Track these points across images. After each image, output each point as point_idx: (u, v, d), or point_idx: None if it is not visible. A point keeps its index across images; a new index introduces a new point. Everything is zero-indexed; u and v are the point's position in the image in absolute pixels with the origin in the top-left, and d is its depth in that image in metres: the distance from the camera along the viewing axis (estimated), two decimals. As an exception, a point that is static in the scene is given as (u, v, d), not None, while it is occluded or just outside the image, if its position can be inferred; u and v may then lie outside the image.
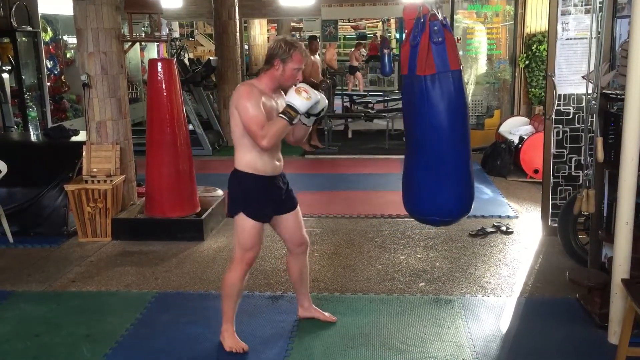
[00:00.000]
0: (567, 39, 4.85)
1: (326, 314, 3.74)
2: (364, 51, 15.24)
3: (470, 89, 9.49)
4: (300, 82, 3.17)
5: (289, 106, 3.06)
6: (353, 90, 14.24)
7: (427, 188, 3.06)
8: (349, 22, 16.76)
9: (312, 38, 9.53)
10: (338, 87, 12.01)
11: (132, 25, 5.67)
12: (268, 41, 14.66)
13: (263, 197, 3.28)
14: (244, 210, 3.25)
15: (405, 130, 3.18)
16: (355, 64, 14.51)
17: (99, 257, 4.91)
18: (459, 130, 2.99)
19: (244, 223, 3.27)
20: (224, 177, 7.17)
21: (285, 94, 3.18)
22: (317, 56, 9.35)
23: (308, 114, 3.19)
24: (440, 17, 2.88)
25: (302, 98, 3.05)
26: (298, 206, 3.51)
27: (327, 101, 3.28)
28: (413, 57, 2.89)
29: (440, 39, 2.84)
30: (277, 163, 3.31)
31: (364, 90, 14.44)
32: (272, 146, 3.13)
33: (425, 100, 2.89)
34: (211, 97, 10.34)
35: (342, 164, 8.29)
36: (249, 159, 3.22)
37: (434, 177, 3.02)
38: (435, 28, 2.85)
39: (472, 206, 3.20)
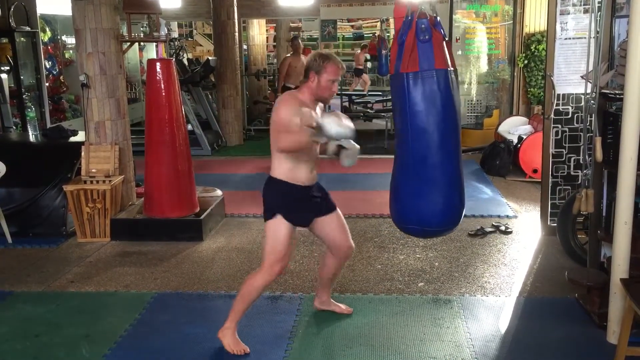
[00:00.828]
0: (566, 39, 4.85)
1: (342, 306, 3.83)
2: (367, 56, 15.23)
3: (469, 88, 9.50)
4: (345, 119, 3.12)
5: (320, 127, 3.05)
6: (355, 91, 14.25)
7: (406, 193, 2.98)
8: (348, 22, 16.76)
9: (294, 38, 9.39)
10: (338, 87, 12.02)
11: (131, 25, 5.67)
12: (267, 41, 14.65)
13: (300, 203, 3.33)
14: (282, 213, 3.28)
15: (395, 133, 3.14)
16: (361, 66, 14.50)
17: (98, 258, 4.91)
18: (444, 133, 2.89)
19: (278, 227, 3.28)
20: (223, 177, 7.16)
21: (323, 104, 3.30)
22: (303, 57, 9.22)
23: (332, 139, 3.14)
24: (429, 15, 2.85)
25: (337, 130, 3.01)
26: (338, 210, 3.55)
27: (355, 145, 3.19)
28: (399, 56, 2.85)
29: (426, 37, 2.80)
30: (313, 173, 3.39)
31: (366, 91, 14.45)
32: (288, 151, 3.20)
33: (407, 99, 2.84)
34: (210, 97, 10.34)
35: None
36: (285, 168, 3.28)
37: (415, 182, 2.94)
38: (423, 26, 2.81)
39: (461, 217, 3.07)
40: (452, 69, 2.93)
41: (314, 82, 3.23)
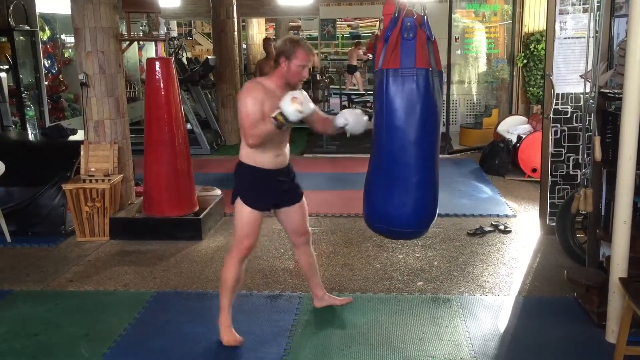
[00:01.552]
0: (565, 38, 4.85)
1: (340, 297, 3.87)
2: (361, 53, 15.16)
3: (468, 88, 9.50)
4: (298, 91, 3.19)
5: (280, 112, 3.11)
6: (352, 90, 14.22)
7: (377, 192, 2.96)
8: (344, 21, 16.75)
9: (266, 40, 9.17)
10: (336, 87, 12.01)
11: (130, 24, 5.66)
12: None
13: (261, 188, 3.39)
14: (241, 197, 3.39)
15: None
16: (355, 63, 14.43)
17: (97, 257, 4.91)
18: (419, 133, 2.87)
19: (241, 209, 3.39)
20: (222, 176, 7.17)
21: (293, 89, 3.28)
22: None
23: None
24: (417, 14, 2.85)
25: (294, 108, 3.08)
26: (304, 199, 3.60)
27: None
28: (383, 52, 2.84)
29: (411, 35, 2.79)
30: (279, 158, 3.39)
31: (362, 89, 14.43)
32: (258, 145, 3.23)
33: (384, 96, 2.82)
34: (209, 96, 10.34)
35: (340, 163, 8.29)
36: (249, 152, 3.33)
37: (385, 181, 2.92)
38: (408, 24, 2.80)
39: (432, 221, 3.04)
40: (435, 69, 2.88)
41: (284, 67, 3.26)
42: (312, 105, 3.17)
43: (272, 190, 3.42)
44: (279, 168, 3.41)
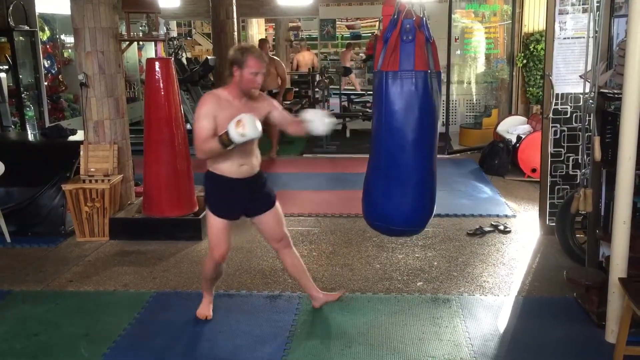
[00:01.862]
0: (564, 38, 4.85)
1: (333, 293, 3.90)
2: (354, 54, 15.13)
3: (468, 88, 9.51)
4: (244, 114, 3.18)
5: (226, 132, 3.16)
6: (350, 90, 14.20)
7: (375, 191, 3.01)
8: (347, 20, 16.75)
9: (262, 40, 9.18)
10: (336, 87, 11.99)
11: (130, 24, 5.66)
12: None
13: (227, 197, 3.43)
14: (208, 206, 3.48)
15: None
16: (348, 65, 14.38)
17: (97, 257, 4.91)
18: (417, 135, 2.90)
19: (210, 219, 3.48)
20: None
21: (252, 99, 3.39)
22: (276, 57, 8.83)
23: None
24: (417, 15, 2.85)
25: (238, 131, 3.12)
26: (277, 205, 3.62)
27: (257, 133, 3.25)
28: (382, 53, 2.86)
29: (410, 37, 2.81)
30: (243, 168, 3.41)
31: (362, 90, 14.41)
32: (206, 158, 3.34)
33: (383, 98, 2.85)
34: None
35: (340, 163, 8.29)
36: (214, 161, 3.39)
37: (384, 181, 2.96)
38: (407, 26, 2.81)
39: (430, 219, 3.09)
40: (433, 71, 2.91)
41: (238, 76, 3.30)
42: (258, 128, 3.19)
43: (238, 199, 3.45)
44: (244, 177, 3.43)
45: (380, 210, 3.06)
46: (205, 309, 3.77)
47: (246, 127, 3.12)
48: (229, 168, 3.37)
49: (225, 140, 3.15)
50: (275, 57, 8.65)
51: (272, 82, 8.28)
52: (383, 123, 2.90)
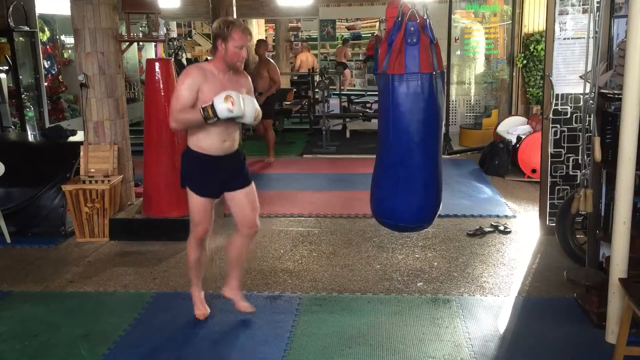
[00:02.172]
0: (564, 39, 4.85)
1: (246, 304, 3.80)
2: (348, 52, 15.09)
3: (468, 88, 9.50)
4: (234, 92, 3.22)
5: (212, 105, 3.17)
6: (350, 90, 14.21)
7: (385, 190, 3.06)
8: (347, 21, 16.76)
9: (260, 41, 8.79)
10: (333, 87, 12.01)
11: (130, 25, 5.66)
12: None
13: (206, 174, 3.42)
14: (188, 184, 3.46)
15: (378, 127, 3.21)
16: (343, 60, 14.35)
17: (97, 257, 4.90)
18: (425, 135, 2.95)
19: (190, 197, 3.48)
20: (222, 177, 6.88)
21: (237, 73, 3.38)
22: (270, 60, 8.58)
23: (235, 119, 3.28)
24: (420, 17, 2.87)
25: (225, 106, 3.14)
26: (252, 186, 3.61)
27: (253, 117, 3.31)
28: (387, 56, 2.88)
29: (414, 40, 2.83)
30: (226, 143, 3.41)
31: (362, 90, 14.42)
32: (179, 129, 3.38)
33: (391, 100, 2.89)
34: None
35: (340, 163, 8.29)
36: (196, 138, 3.37)
37: (393, 182, 3.00)
38: (412, 29, 2.83)
39: (436, 216, 3.16)
40: (437, 71, 2.95)
41: (222, 49, 3.29)
42: (247, 110, 3.21)
43: (219, 177, 3.45)
44: (226, 154, 3.43)
45: (390, 208, 3.11)
46: (201, 307, 3.74)
47: (235, 105, 3.15)
48: (211, 145, 3.35)
49: (209, 114, 3.15)
50: (270, 60, 8.54)
51: (262, 85, 8.12)
52: (391, 125, 2.94)
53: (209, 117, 3.17)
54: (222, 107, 3.14)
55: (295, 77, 12.68)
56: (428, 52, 2.88)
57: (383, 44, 2.96)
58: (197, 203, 3.47)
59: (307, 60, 13.21)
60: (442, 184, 3.17)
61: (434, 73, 2.91)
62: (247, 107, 3.25)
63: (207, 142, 3.35)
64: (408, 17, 2.86)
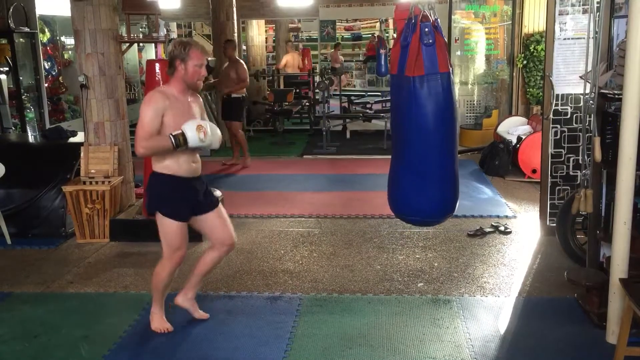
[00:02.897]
0: (564, 39, 4.85)
1: (200, 311, 3.79)
2: (339, 56, 15.04)
3: (468, 89, 9.50)
4: (203, 121, 3.28)
5: (182, 134, 3.18)
6: (351, 91, 14.20)
7: (409, 188, 3.09)
8: (347, 22, 16.77)
9: (228, 41, 8.58)
10: (335, 88, 12.01)
11: (130, 26, 5.67)
12: (266, 42, 14.64)
13: (179, 197, 3.38)
14: (160, 210, 3.38)
15: (392, 130, 3.22)
16: (338, 65, 14.31)
17: (97, 259, 4.90)
18: (444, 132, 2.99)
19: (164, 222, 3.40)
20: (221, 178, 7.17)
21: (193, 94, 3.40)
22: (239, 60, 8.41)
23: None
24: (432, 18, 2.88)
25: (197, 136, 3.18)
26: (220, 206, 3.60)
27: (218, 144, 3.41)
28: (403, 58, 2.90)
29: (430, 41, 2.85)
30: (194, 165, 3.42)
31: (363, 90, 14.41)
32: (146, 156, 3.30)
33: (413, 101, 2.90)
34: (209, 97, 10.33)
35: (340, 164, 8.29)
36: (165, 161, 3.33)
37: (417, 178, 3.03)
38: (426, 29, 2.85)
39: (457, 207, 3.21)
40: (451, 70, 2.99)
41: (182, 70, 3.30)
42: (217, 139, 3.29)
43: (188, 199, 3.41)
44: (194, 176, 3.43)
45: (417, 207, 3.13)
46: (162, 322, 3.62)
47: (208, 135, 3.21)
48: (180, 167, 3.33)
49: (180, 141, 3.17)
50: (239, 60, 8.43)
51: (229, 84, 8.01)
52: (414, 126, 2.96)
53: (180, 145, 3.18)
54: (194, 137, 3.17)
55: (282, 76, 12.60)
56: (444, 52, 2.91)
57: (396, 47, 2.97)
58: (173, 228, 3.38)
59: (293, 60, 13.20)
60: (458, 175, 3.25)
61: (451, 72, 2.95)
62: (215, 135, 3.32)
63: (177, 165, 3.32)
64: (421, 19, 2.87)
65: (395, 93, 3.06)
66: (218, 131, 3.38)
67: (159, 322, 3.62)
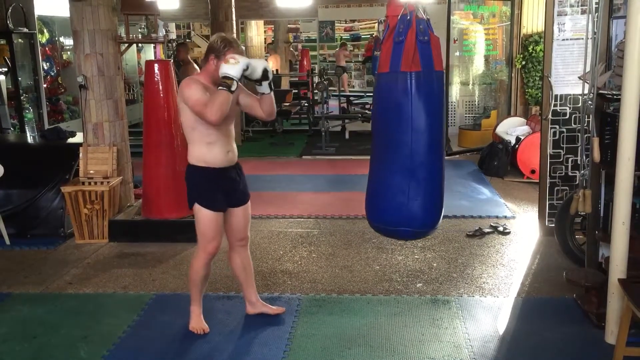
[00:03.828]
0: (563, 40, 4.86)
1: (274, 307, 3.80)
2: (347, 53, 15.06)
3: (467, 89, 9.51)
4: (227, 58, 3.21)
5: (223, 77, 3.15)
6: (350, 91, 14.18)
7: (401, 194, 2.90)
8: (345, 22, 16.77)
9: (180, 45, 8.43)
10: (334, 88, 12.01)
11: (129, 26, 5.66)
12: (265, 42, 14.63)
13: (215, 188, 3.38)
14: (198, 201, 3.37)
15: (379, 133, 3.02)
16: (343, 64, 14.32)
17: (96, 259, 4.90)
18: (437, 133, 2.90)
19: (201, 214, 3.40)
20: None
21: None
22: (193, 65, 8.33)
23: (249, 79, 3.28)
24: (425, 17, 2.86)
25: (230, 64, 3.12)
26: (249, 203, 3.60)
27: (263, 62, 3.34)
28: (397, 54, 2.79)
29: (426, 38, 2.81)
30: (229, 154, 3.39)
31: (361, 91, 14.39)
32: (221, 119, 3.17)
33: (410, 98, 2.79)
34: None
35: (339, 164, 8.29)
36: (199, 153, 3.33)
37: (412, 183, 2.88)
38: (421, 27, 2.81)
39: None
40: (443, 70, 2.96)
41: (213, 65, 3.29)
42: (251, 60, 3.20)
43: (224, 189, 3.41)
44: (230, 165, 3.41)
45: (408, 214, 2.94)
46: (199, 322, 3.60)
47: (236, 57, 3.15)
48: (216, 157, 3.33)
49: (227, 82, 3.12)
50: (191, 61, 8.47)
51: None
52: (410, 126, 2.81)
53: (230, 85, 3.12)
54: (232, 69, 3.11)
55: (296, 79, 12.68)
56: (438, 50, 2.87)
57: (387, 42, 2.85)
58: (209, 218, 3.38)
59: (276, 62, 13.37)
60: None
61: (443, 71, 2.91)
62: (244, 57, 3.22)
63: (211, 155, 3.32)
64: (416, 16, 2.84)
65: (387, 91, 2.88)
66: (244, 56, 3.28)
67: (196, 322, 3.59)
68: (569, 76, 4.85)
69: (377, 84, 3.07)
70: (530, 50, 8.36)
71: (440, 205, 3.02)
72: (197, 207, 3.39)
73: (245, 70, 3.17)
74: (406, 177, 2.90)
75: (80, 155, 5.39)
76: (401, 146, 2.89)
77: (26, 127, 8.24)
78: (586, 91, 3.79)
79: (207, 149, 3.31)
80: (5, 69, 8.08)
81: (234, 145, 3.45)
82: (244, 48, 3.40)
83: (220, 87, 3.14)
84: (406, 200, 2.91)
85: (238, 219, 3.56)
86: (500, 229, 5.31)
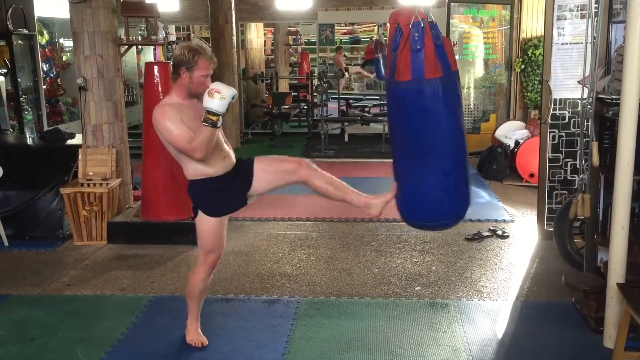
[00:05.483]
0: (562, 44, 4.87)
1: (379, 195, 3.57)
2: (341, 58, 15.14)
3: (466, 93, 9.51)
4: (211, 85, 3.05)
5: (207, 112, 2.99)
6: (350, 94, 14.19)
7: (444, 191, 3.12)
8: (345, 25, 16.78)
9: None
10: (334, 91, 12.02)
11: (129, 28, 5.66)
12: (265, 45, 14.64)
13: (220, 196, 3.26)
14: (202, 209, 3.25)
15: (403, 136, 3.06)
16: (342, 68, 14.35)
17: (95, 261, 4.89)
18: (462, 129, 3.08)
19: (204, 222, 3.27)
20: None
21: (199, 99, 3.12)
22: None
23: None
24: (434, 20, 2.88)
25: (217, 100, 2.96)
26: (255, 162, 3.38)
27: (234, 90, 3.15)
28: (417, 62, 2.80)
29: (440, 42, 2.85)
30: (226, 159, 3.25)
31: (361, 94, 14.39)
32: (207, 155, 3.06)
33: (441, 102, 2.85)
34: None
35: (338, 167, 8.27)
36: (196, 168, 3.17)
37: (450, 180, 3.11)
38: (434, 31, 2.84)
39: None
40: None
41: (186, 79, 3.09)
42: (231, 89, 3.03)
43: (227, 194, 3.27)
44: (229, 170, 3.26)
45: (450, 208, 3.19)
46: (197, 334, 3.50)
47: (221, 90, 2.97)
48: (213, 167, 3.17)
49: (212, 119, 2.97)
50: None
51: None
52: (445, 130, 2.95)
53: (215, 121, 2.99)
54: (216, 104, 2.96)
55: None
56: (452, 51, 2.91)
57: (404, 51, 2.84)
58: (208, 225, 3.25)
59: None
60: None
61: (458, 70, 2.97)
62: (227, 87, 3.05)
63: (209, 167, 3.16)
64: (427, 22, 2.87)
65: (413, 98, 2.89)
66: (226, 86, 3.10)
67: (194, 334, 3.50)
68: (568, 80, 4.85)
69: (395, 91, 3.00)
70: (530, 54, 8.37)
71: (470, 194, 3.27)
72: (198, 218, 3.27)
73: (231, 101, 3.03)
74: (442, 176, 3.09)
75: (79, 156, 5.39)
76: (434, 148, 3.01)
77: (25, 129, 8.24)
78: (585, 95, 3.80)
79: (203, 163, 3.14)
80: (5, 71, 8.09)
81: (228, 148, 3.33)
82: (212, 55, 3.21)
83: (204, 123, 2.99)
84: (446, 196, 3.12)
85: (263, 178, 3.34)
86: (499, 232, 5.31)
